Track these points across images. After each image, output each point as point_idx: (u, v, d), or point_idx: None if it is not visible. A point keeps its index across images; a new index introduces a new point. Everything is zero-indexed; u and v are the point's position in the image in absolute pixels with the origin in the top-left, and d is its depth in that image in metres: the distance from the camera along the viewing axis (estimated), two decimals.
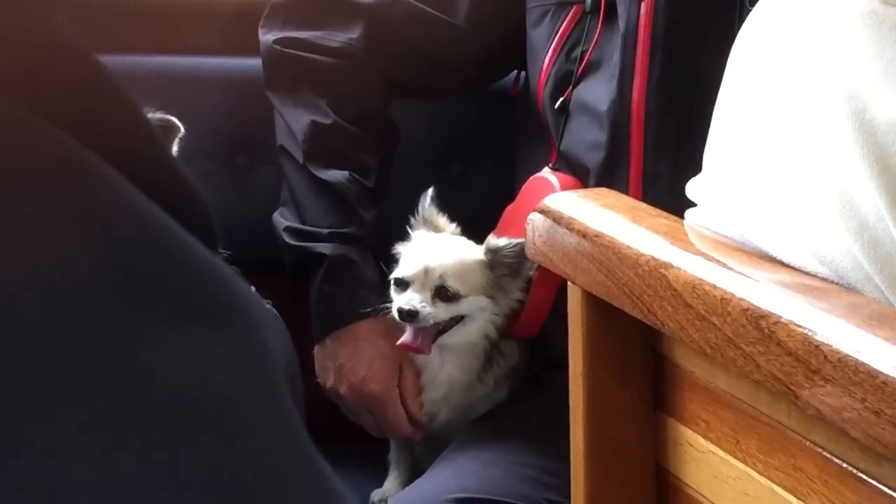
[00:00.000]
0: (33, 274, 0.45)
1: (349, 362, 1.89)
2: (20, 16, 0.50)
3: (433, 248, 1.83)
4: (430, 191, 1.88)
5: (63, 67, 0.51)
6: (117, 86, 0.52)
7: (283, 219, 1.95)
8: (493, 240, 1.82)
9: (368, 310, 1.85)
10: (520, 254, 1.77)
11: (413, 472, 1.93)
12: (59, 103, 0.49)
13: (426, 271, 1.79)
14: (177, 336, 0.47)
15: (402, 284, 1.81)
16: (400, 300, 1.79)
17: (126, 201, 0.49)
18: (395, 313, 1.79)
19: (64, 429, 0.43)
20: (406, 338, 1.80)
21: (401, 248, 1.85)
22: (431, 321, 1.79)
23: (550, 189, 1.77)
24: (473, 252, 1.83)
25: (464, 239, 1.86)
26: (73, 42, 0.52)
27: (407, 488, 1.79)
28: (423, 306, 1.77)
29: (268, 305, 1.67)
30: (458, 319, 1.82)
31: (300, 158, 1.95)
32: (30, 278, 0.45)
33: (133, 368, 0.45)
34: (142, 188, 0.49)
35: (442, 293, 1.79)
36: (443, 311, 1.79)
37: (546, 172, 1.85)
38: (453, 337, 1.83)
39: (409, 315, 1.77)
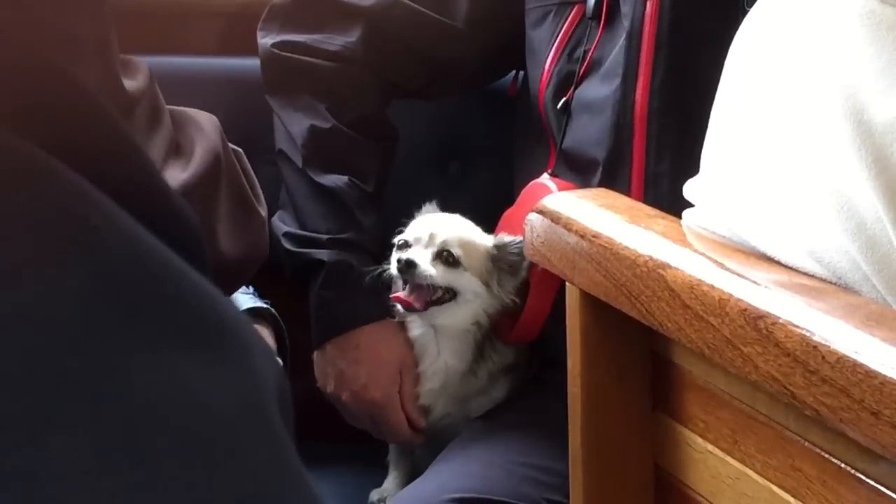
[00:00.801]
0: (23, 298, 0.45)
1: (349, 369, 1.89)
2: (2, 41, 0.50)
3: (442, 218, 1.85)
4: (434, 201, 1.89)
5: (48, 92, 0.51)
6: (103, 108, 0.52)
7: (282, 224, 1.95)
8: (503, 236, 1.83)
9: (368, 269, 1.84)
10: (521, 253, 1.78)
11: (412, 473, 1.93)
12: (45, 127, 0.49)
13: (431, 235, 1.80)
14: (167, 360, 0.46)
15: (405, 246, 1.81)
16: (399, 254, 1.79)
17: (115, 224, 0.48)
18: (393, 267, 1.79)
19: (55, 453, 0.43)
20: (400, 292, 1.81)
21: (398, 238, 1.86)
22: (428, 279, 1.78)
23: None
24: (480, 235, 1.83)
25: (472, 223, 1.86)
26: (59, 66, 0.52)
27: (406, 488, 1.79)
28: (423, 261, 1.77)
29: (266, 305, 1.66)
30: (451, 295, 1.82)
31: (299, 163, 1.95)
32: (19, 302, 0.45)
33: (124, 393, 0.45)
34: (130, 211, 0.49)
35: (443, 256, 1.79)
36: (440, 275, 1.79)
37: (545, 178, 1.85)
38: (446, 316, 1.83)
39: (407, 265, 1.76)
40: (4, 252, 0.45)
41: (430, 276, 1.78)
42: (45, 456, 0.42)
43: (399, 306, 1.83)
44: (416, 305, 1.80)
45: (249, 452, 0.47)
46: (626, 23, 1.79)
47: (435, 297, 1.81)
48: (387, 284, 1.86)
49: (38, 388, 0.43)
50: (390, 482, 1.95)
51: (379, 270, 1.83)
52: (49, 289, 0.45)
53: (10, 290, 0.45)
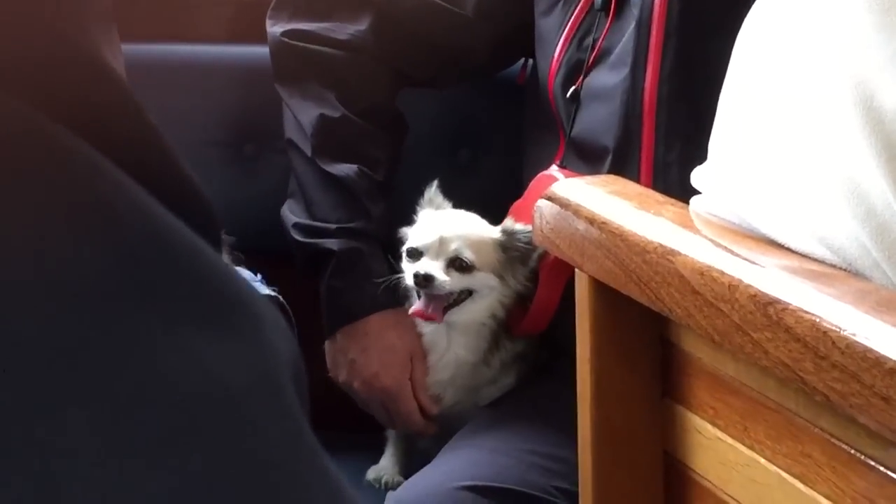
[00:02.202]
0: (42, 273, 0.45)
1: (360, 357, 1.90)
2: (25, 16, 0.50)
3: (448, 220, 1.85)
4: (435, 182, 1.89)
5: (68, 67, 0.51)
6: (122, 85, 0.52)
7: (291, 214, 1.95)
8: (511, 222, 1.83)
9: (380, 280, 1.85)
10: (531, 242, 1.78)
11: (409, 452, 1.94)
12: (64, 102, 0.49)
13: (441, 241, 1.81)
14: (184, 335, 0.47)
15: (416, 254, 1.82)
16: (415, 267, 1.79)
17: (132, 200, 0.49)
18: (409, 279, 1.80)
19: (72, 427, 0.43)
20: (419, 305, 1.81)
21: (407, 230, 1.86)
22: (446, 288, 1.79)
23: None
24: (488, 229, 1.84)
25: (477, 216, 1.86)
26: (77, 41, 0.52)
27: (414, 476, 1.79)
28: (438, 272, 1.78)
29: (273, 293, 1.66)
30: (466, 294, 1.82)
31: (308, 152, 1.95)
32: (38, 277, 0.45)
33: (141, 367, 0.45)
34: (146, 187, 0.49)
35: (456, 263, 1.80)
36: (456, 281, 1.80)
37: (553, 170, 1.85)
38: (462, 314, 1.84)
39: (425, 279, 1.77)
40: (22, 226, 0.45)
41: (448, 285, 1.79)
42: (62, 428, 0.42)
43: (419, 320, 1.84)
44: (437, 320, 1.81)
45: (263, 427, 0.47)
46: (635, 11, 1.79)
47: (451, 300, 1.82)
48: (403, 293, 1.86)
49: (54, 362, 0.43)
50: (387, 460, 1.96)
51: (394, 280, 1.84)
52: (65, 263, 0.45)
53: (27, 264, 0.45)
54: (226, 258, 1.61)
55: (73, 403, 0.43)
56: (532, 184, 1.86)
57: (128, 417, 0.44)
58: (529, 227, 1.76)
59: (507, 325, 1.88)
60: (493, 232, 1.83)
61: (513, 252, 1.82)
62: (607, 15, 1.83)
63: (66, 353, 0.44)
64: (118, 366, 0.44)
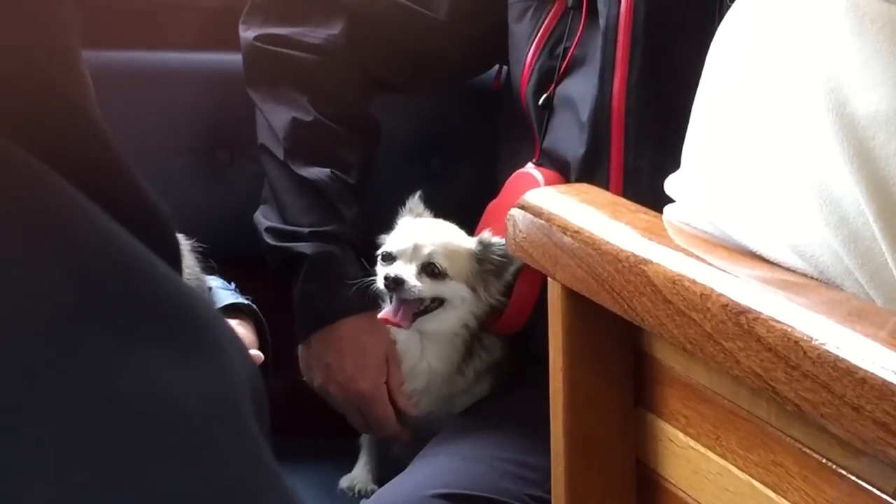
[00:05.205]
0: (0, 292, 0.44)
1: (335, 361, 1.89)
2: None
3: (424, 227, 1.85)
4: (418, 193, 1.89)
5: (25, 86, 0.51)
6: (80, 103, 0.52)
7: (264, 219, 1.94)
8: (487, 235, 1.83)
9: (352, 282, 1.84)
10: (507, 255, 1.78)
11: (383, 460, 1.95)
12: (19, 120, 0.49)
13: (415, 247, 1.81)
14: (140, 354, 0.46)
15: (390, 258, 1.82)
16: (386, 269, 1.79)
17: (89, 220, 0.48)
18: (380, 282, 1.79)
19: (26, 444, 0.42)
20: (386, 311, 1.81)
21: (386, 237, 1.85)
22: (416, 293, 1.79)
23: (534, 184, 1.77)
24: (463, 239, 1.84)
25: (455, 226, 1.86)
26: (36, 59, 0.51)
27: (387, 484, 1.79)
28: (409, 277, 1.78)
29: (247, 301, 1.65)
30: (438, 303, 1.82)
31: (281, 156, 1.94)
32: None
33: (96, 386, 0.45)
34: (105, 207, 0.49)
35: (428, 269, 1.80)
36: (427, 287, 1.80)
37: (530, 168, 1.85)
38: (433, 323, 1.83)
39: (394, 282, 1.77)
40: None
41: (418, 290, 1.78)
42: (15, 445, 0.42)
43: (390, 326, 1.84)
44: (404, 325, 1.81)
45: (221, 447, 0.47)
46: (601, 20, 1.79)
47: (422, 307, 1.81)
48: (374, 296, 1.86)
49: (11, 381, 0.43)
50: (360, 468, 1.96)
51: (365, 284, 1.83)
52: (23, 283, 0.45)
53: None
54: (197, 267, 1.60)
55: (30, 421, 0.43)
56: (508, 182, 1.86)
57: (85, 436, 0.43)
58: (504, 241, 1.76)
59: (482, 333, 1.88)
60: (469, 242, 1.83)
61: (487, 264, 1.82)
62: (580, 19, 1.83)
63: (23, 371, 0.43)
64: (75, 385, 0.44)
